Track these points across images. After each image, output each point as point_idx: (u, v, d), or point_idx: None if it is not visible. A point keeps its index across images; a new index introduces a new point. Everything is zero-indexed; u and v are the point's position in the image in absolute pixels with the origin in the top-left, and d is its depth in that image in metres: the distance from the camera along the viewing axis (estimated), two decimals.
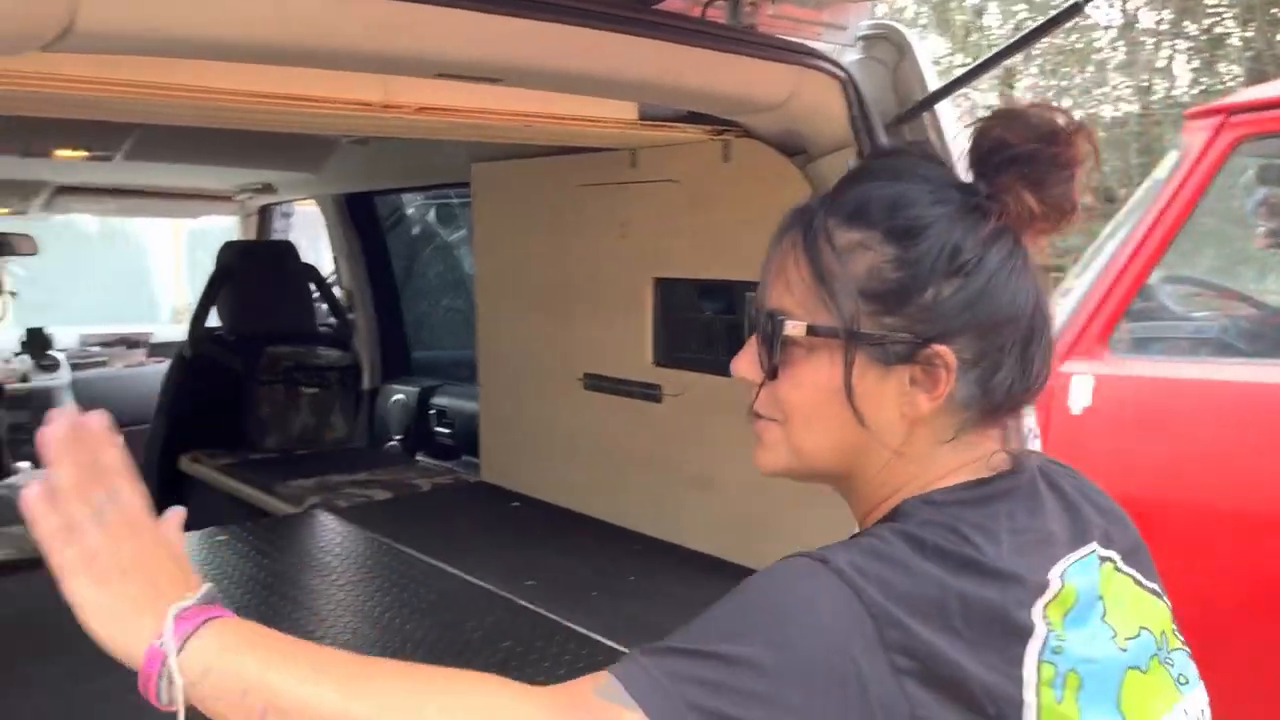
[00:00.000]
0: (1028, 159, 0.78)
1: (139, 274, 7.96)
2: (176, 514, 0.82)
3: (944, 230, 0.78)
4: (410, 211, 4.34)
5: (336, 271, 3.88)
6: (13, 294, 4.15)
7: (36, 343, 4.23)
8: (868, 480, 0.83)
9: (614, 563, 2.19)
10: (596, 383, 2.41)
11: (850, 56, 1.81)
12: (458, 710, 0.68)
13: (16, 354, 4.22)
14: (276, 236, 4.19)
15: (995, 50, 1.78)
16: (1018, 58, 8.06)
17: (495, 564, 2.16)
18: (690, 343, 2.26)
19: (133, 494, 0.78)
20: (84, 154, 2.99)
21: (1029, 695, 0.70)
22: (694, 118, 1.92)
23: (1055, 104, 0.82)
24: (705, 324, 2.24)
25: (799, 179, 1.85)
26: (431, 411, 3.48)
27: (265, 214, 4.16)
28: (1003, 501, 0.78)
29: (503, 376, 2.77)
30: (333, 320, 3.74)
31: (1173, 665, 0.82)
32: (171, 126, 2.37)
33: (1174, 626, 0.85)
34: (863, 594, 0.69)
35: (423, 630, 1.88)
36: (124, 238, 8.27)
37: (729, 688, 0.66)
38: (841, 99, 1.72)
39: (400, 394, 3.60)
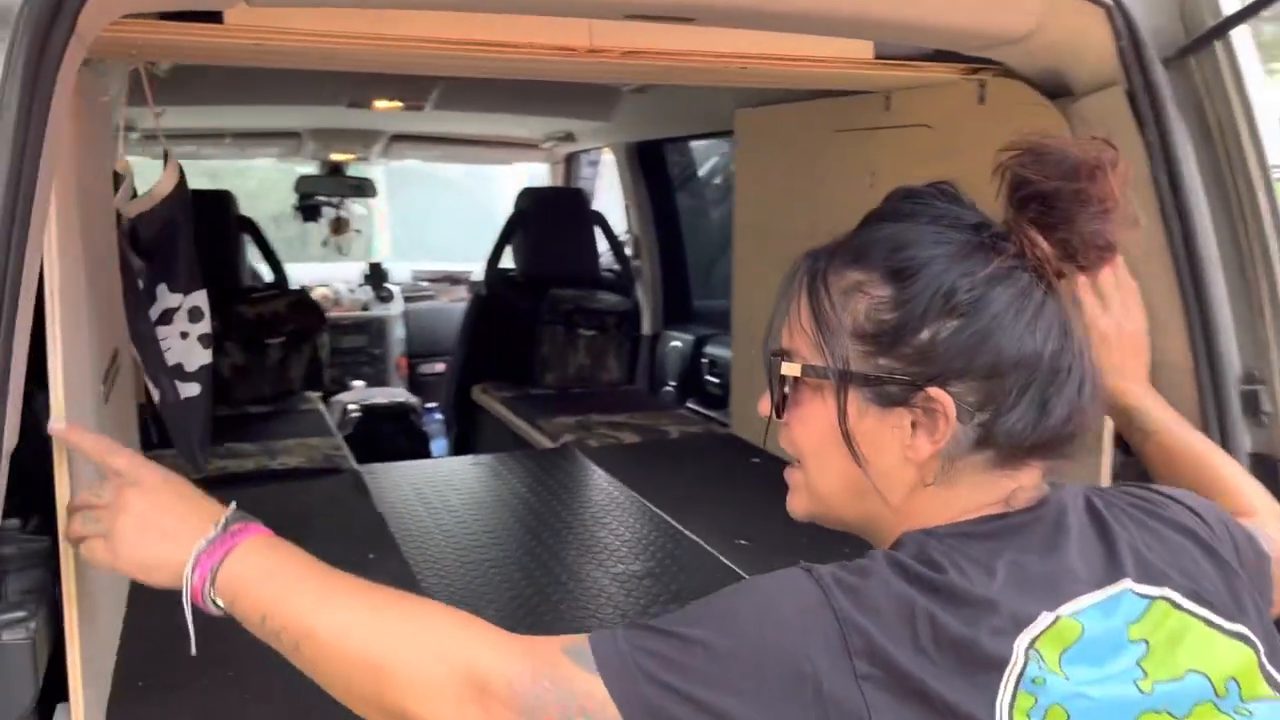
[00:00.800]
0: (1050, 197, 0.76)
1: (491, 217, 8.69)
2: None
3: (940, 270, 0.76)
4: (714, 160, 4.35)
5: (628, 219, 3.98)
6: (358, 231, 4.67)
7: (376, 276, 4.76)
8: (885, 521, 0.83)
9: (833, 533, 2.09)
10: None
11: None
12: (436, 631, 0.76)
13: (360, 285, 4.77)
14: (582, 184, 4.37)
15: None
16: None
17: (715, 519, 2.15)
18: None
19: (129, 462, 0.88)
20: (399, 105, 3.26)
21: None
22: (941, 55, 1.73)
23: (1094, 137, 0.79)
24: None
25: (1060, 123, 1.62)
26: (703, 360, 3.49)
27: (571, 161, 4.35)
28: (1014, 536, 0.76)
29: (754, 328, 2.71)
30: (618, 266, 3.85)
31: (1248, 715, 0.75)
32: (470, 79, 2.52)
33: (1263, 673, 0.77)
34: (834, 601, 0.71)
35: (624, 575, 1.91)
36: (481, 183, 9.04)
37: (681, 665, 0.70)
38: (1106, 28, 1.47)
39: (677, 341, 3.64)
